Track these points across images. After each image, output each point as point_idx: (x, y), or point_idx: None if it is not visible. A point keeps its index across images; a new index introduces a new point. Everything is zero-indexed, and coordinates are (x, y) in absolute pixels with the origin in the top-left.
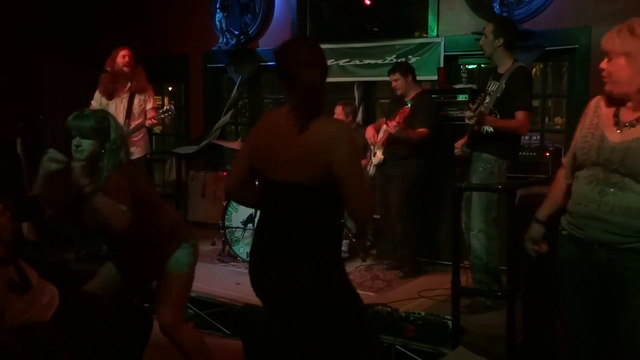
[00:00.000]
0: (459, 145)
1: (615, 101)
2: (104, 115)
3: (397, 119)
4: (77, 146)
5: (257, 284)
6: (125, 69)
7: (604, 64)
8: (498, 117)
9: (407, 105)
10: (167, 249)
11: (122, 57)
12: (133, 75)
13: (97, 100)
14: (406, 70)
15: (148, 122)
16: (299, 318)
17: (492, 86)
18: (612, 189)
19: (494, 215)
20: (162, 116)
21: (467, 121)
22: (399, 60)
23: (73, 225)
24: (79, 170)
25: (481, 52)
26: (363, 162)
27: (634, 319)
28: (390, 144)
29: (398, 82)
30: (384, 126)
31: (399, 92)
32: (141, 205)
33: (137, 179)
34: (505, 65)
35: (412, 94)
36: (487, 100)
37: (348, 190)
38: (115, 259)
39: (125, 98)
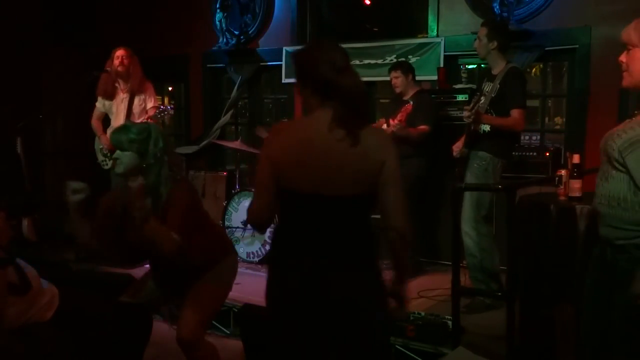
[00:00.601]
0: (457, 147)
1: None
2: (145, 127)
3: (398, 117)
4: (117, 159)
5: (309, 300)
6: (119, 68)
7: (623, 57)
8: (494, 116)
9: (408, 103)
10: (211, 264)
11: (116, 57)
12: (128, 75)
13: (101, 102)
14: (407, 69)
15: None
16: (352, 326)
17: (487, 87)
18: (601, 180)
19: (484, 212)
20: (159, 116)
21: (465, 120)
22: (399, 60)
23: (115, 254)
24: (134, 192)
25: None
26: None
27: (619, 318)
28: None
29: (398, 79)
30: (384, 126)
31: (398, 90)
32: (193, 224)
33: (195, 197)
34: (499, 66)
35: (410, 93)
36: (482, 101)
37: (392, 195)
38: (159, 274)
39: (125, 98)
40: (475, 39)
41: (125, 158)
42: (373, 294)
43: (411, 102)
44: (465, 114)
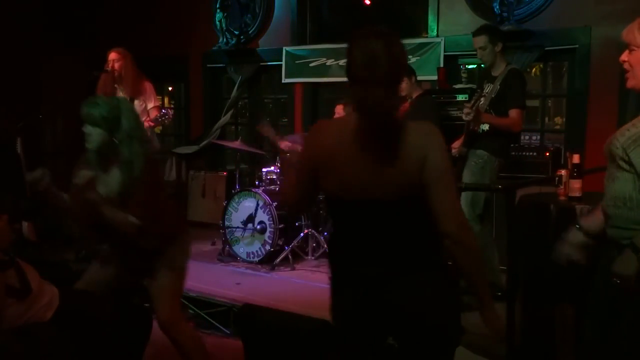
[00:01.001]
0: (457, 146)
1: None
2: (115, 104)
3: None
4: (88, 134)
5: (370, 311)
6: (114, 73)
7: (625, 56)
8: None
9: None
10: (165, 244)
11: (110, 61)
12: (120, 78)
13: None
14: (410, 71)
15: (145, 125)
16: (416, 332)
17: (487, 88)
18: (608, 181)
19: (479, 211)
20: (160, 120)
21: (464, 118)
22: None
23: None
24: (82, 186)
25: None
26: None
27: (626, 329)
28: None
29: (403, 83)
30: None
31: (403, 93)
32: (152, 203)
33: (161, 173)
34: (499, 68)
35: (414, 95)
36: (481, 102)
37: (438, 195)
38: (119, 255)
39: (126, 99)
40: (477, 51)
41: (96, 134)
42: (434, 297)
43: (409, 101)
44: (466, 111)
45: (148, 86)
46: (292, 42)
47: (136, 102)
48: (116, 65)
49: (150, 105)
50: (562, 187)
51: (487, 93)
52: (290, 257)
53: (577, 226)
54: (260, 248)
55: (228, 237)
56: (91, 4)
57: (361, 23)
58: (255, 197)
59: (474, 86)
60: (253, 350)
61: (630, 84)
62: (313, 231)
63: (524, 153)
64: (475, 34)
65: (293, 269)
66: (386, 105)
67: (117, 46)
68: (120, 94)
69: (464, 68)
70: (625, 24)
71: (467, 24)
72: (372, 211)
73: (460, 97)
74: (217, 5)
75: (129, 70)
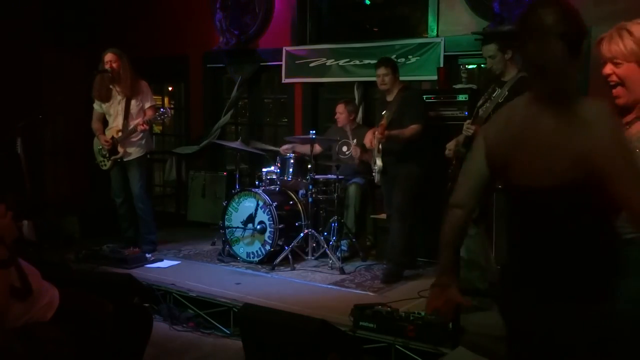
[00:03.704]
0: (451, 146)
1: (623, 111)
2: None
3: (379, 131)
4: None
5: (518, 328)
6: (113, 73)
7: (609, 69)
8: None
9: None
10: None
11: (105, 63)
12: (119, 78)
13: (98, 103)
14: (395, 66)
15: (139, 128)
16: None
17: (495, 92)
18: None
19: (474, 214)
20: (159, 118)
21: (464, 133)
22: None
23: None
24: None
25: (481, 52)
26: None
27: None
28: (385, 152)
29: (388, 77)
30: (368, 137)
31: (385, 87)
32: None
33: None
34: (510, 74)
35: (395, 90)
36: (487, 105)
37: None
38: None
39: (122, 100)
40: (486, 59)
41: None
42: (580, 337)
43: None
44: (466, 125)
45: (145, 86)
46: (292, 42)
47: (133, 101)
48: (114, 66)
49: (147, 104)
50: None
51: (494, 97)
52: (290, 257)
53: None
54: (260, 248)
55: (228, 237)
56: (91, 3)
57: (361, 23)
58: (255, 197)
59: (474, 86)
60: (253, 350)
61: (622, 101)
62: (313, 231)
63: None
64: (484, 42)
65: (293, 269)
66: None
67: (114, 46)
68: (117, 94)
69: (464, 68)
70: None
71: (467, 24)
72: (529, 204)
73: (461, 97)
74: (217, 5)
75: (126, 70)
